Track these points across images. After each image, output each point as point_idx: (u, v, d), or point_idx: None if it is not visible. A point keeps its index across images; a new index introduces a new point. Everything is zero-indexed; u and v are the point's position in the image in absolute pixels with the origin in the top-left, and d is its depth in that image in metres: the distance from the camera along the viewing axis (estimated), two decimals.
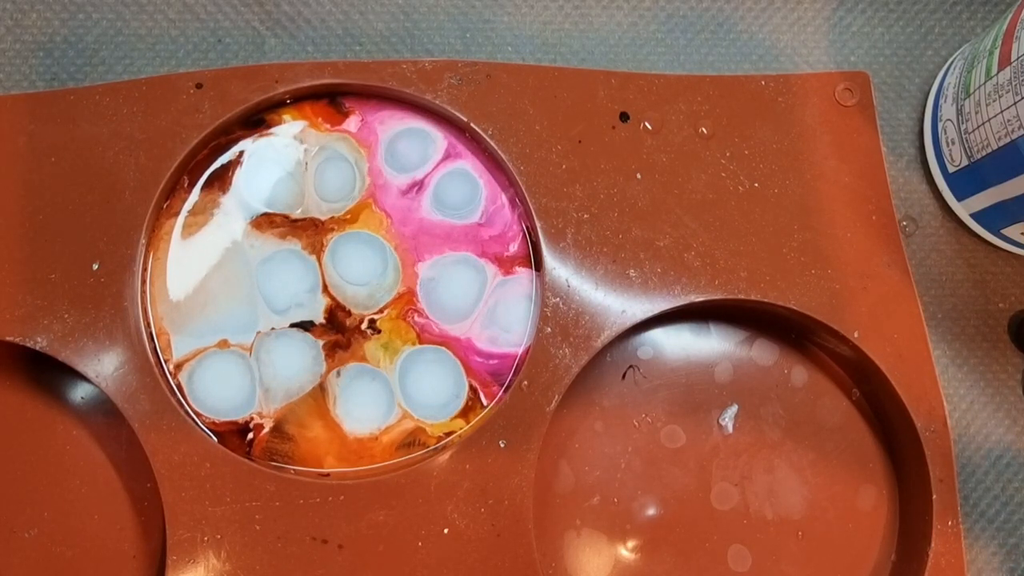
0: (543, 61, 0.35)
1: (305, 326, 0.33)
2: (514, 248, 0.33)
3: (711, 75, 0.35)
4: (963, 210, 0.34)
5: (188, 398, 0.32)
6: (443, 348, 0.33)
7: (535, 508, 0.31)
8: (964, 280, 0.35)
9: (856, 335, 0.33)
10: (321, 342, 0.32)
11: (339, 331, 0.33)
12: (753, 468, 0.34)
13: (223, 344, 0.32)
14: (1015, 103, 0.29)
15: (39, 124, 0.33)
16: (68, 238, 0.32)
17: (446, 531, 0.31)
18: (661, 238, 0.33)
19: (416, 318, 0.33)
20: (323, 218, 0.33)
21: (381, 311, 0.33)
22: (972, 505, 0.33)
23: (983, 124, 0.31)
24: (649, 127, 0.34)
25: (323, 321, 0.33)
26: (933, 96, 0.35)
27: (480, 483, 0.31)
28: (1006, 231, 0.33)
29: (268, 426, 0.32)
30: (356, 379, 0.32)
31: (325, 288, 0.33)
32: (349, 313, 0.33)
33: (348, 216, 0.33)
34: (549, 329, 0.32)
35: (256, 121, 0.34)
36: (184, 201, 0.33)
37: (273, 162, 0.33)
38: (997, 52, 0.30)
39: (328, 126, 0.34)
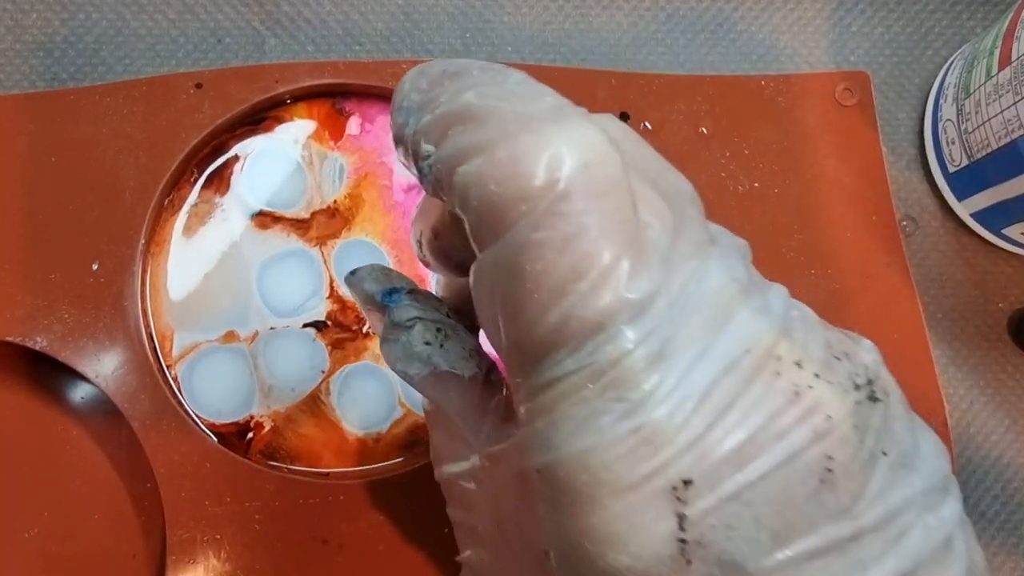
0: (543, 61, 0.35)
1: (309, 326, 0.32)
2: None
3: (711, 75, 0.35)
4: (963, 210, 0.34)
5: (188, 397, 0.32)
6: None
7: None
8: (964, 280, 0.35)
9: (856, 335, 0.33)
10: (324, 341, 0.32)
11: (343, 330, 0.33)
12: None
13: (229, 337, 0.32)
14: (1015, 103, 0.29)
15: (39, 124, 0.33)
16: (68, 238, 0.32)
17: (446, 531, 0.31)
18: None
19: None
20: (325, 216, 0.33)
21: None
22: (972, 505, 0.33)
23: (983, 124, 0.31)
24: (649, 127, 0.34)
25: (327, 321, 0.33)
26: (933, 96, 0.35)
27: None
28: (1006, 231, 0.33)
29: (268, 426, 0.32)
30: (358, 378, 0.32)
31: (330, 288, 0.33)
32: (353, 313, 0.33)
33: (352, 215, 0.33)
34: None
35: (257, 120, 0.34)
36: (185, 200, 0.33)
37: (274, 161, 0.33)
38: (997, 52, 0.30)
39: (332, 142, 0.34)
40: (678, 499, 0.14)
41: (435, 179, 0.16)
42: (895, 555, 0.15)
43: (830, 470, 0.15)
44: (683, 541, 0.14)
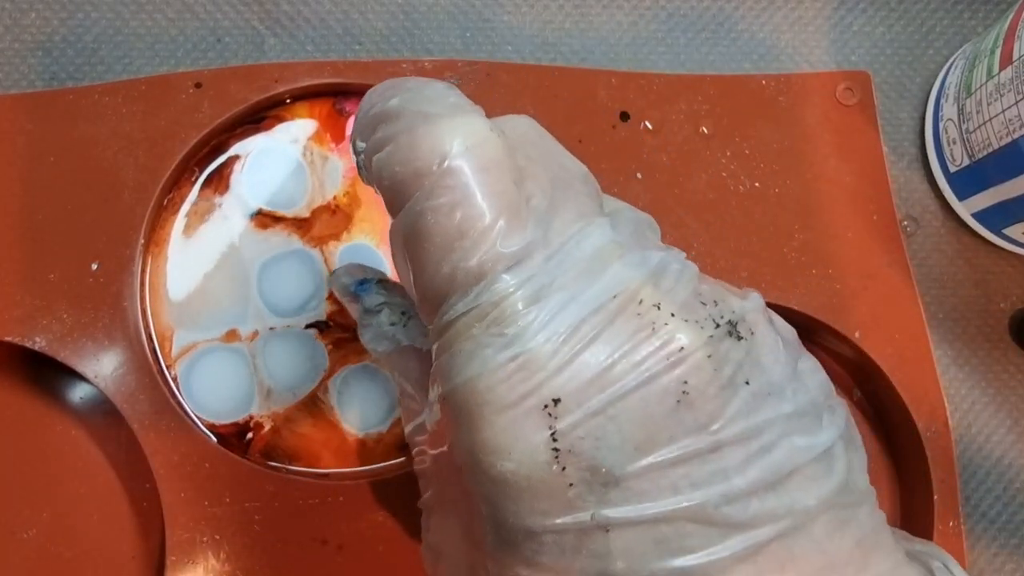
0: (543, 60, 0.35)
1: (311, 326, 0.32)
2: None
3: (712, 74, 0.35)
4: (964, 210, 0.34)
5: (187, 397, 0.32)
6: None
7: None
8: (965, 280, 0.35)
9: (857, 335, 0.33)
10: (324, 342, 0.32)
11: (343, 331, 0.32)
12: None
13: (229, 337, 0.32)
14: (1016, 102, 0.29)
15: (38, 124, 0.33)
16: (67, 238, 0.32)
17: None
18: (662, 238, 0.33)
19: None
20: (328, 214, 0.33)
21: None
22: (973, 506, 0.33)
23: (984, 123, 0.31)
24: (649, 127, 0.34)
25: (328, 322, 0.32)
26: (934, 95, 0.35)
27: None
28: (1008, 231, 0.33)
29: (268, 426, 0.32)
30: (358, 379, 0.32)
31: (330, 290, 0.33)
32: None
33: (351, 211, 0.33)
34: None
35: (257, 120, 0.34)
36: (185, 200, 0.33)
37: (274, 160, 0.33)
38: (998, 51, 0.30)
39: (333, 143, 0.34)
40: (549, 415, 0.17)
41: (365, 168, 0.20)
42: (758, 467, 0.18)
43: (686, 392, 0.18)
44: (556, 450, 0.17)
